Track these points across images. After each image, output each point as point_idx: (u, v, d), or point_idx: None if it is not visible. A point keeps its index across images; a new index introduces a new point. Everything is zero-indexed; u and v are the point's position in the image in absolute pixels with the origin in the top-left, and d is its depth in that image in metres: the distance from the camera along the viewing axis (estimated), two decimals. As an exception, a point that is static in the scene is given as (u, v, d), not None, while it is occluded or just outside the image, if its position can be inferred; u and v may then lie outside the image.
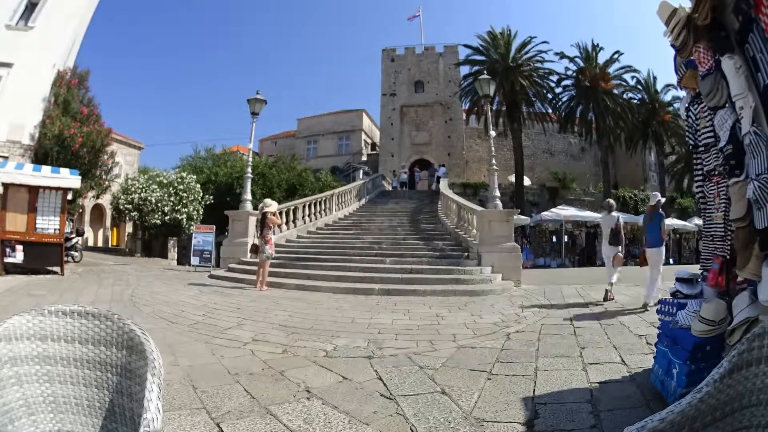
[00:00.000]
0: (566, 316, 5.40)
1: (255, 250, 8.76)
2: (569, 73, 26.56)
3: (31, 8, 14.05)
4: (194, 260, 12.08)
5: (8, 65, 13.14)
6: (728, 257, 2.58)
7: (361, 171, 30.46)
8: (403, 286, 8.03)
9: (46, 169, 9.87)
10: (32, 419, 1.27)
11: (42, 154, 13.06)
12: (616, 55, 25.87)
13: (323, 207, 15.41)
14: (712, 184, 2.73)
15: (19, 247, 8.99)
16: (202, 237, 12.34)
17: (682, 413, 0.91)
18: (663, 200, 6.64)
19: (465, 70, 29.22)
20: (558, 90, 26.98)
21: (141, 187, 17.32)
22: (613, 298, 6.50)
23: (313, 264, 9.87)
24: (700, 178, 2.94)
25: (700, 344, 2.39)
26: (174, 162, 47.89)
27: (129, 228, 22.36)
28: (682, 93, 3.48)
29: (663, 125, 27.09)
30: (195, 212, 17.79)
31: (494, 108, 24.41)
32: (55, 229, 9.44)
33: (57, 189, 9.53)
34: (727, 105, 2.34)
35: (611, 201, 7.34)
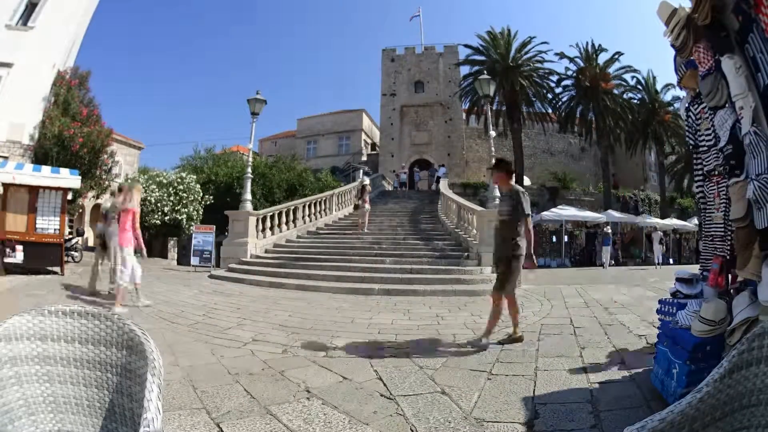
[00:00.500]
0: (566, 316, 5.40)
1: (356, 207, 13.85)
2: (569, 73, 26.62)
3: (31, 8, 14.05)
4: (194, 260, 12.07)
5: (8, 65, 13.14)
6: (728, 257, 2.58)
7: (361, 171, 30.44)
8: (403, 286, 8.03)
9: (46, 170, 9.87)
10: (32, 419, 1.27)
11: (42, 154, 13.05)
12: (616, 55, 25.90)
13: (323, 207, 15.40)
14: (712, 184, 2.73)
15: (19, 247, 8.98)
16: (202, 237, 12.33)
17: (682, 413, 0.91)
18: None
19: (465, 70, 29.28)
20: (558, 90, 27.05)
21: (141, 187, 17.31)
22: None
23: (313, 264, 9.87)
24: (700, 178, 2.93)
25: (700, 344, 2.39)
26: (174, 162, 47.96)
27: (129, 228, 22.31)
28: (682, 93, 3.48)
29: (663, 125, 27.08)
30: (195, 212, 17.78)
31: (494, 108, 24.46)
32: (55, 229, 9.44)
33: (57, 189, 9.53)
34: (727, 105, 2.34)
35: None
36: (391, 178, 30.22)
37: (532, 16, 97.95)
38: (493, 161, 3.39)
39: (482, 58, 26.30)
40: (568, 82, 26.76)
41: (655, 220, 22.02)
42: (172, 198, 17.24)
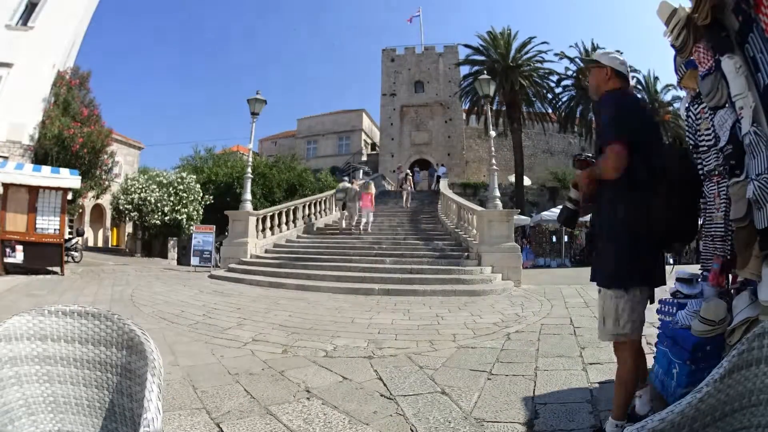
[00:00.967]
0: (566, 316, 5.40)
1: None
2: (569, 73, 26.62)
3: (31, 8, 14.06)
4: (194, 260, 12.07)
5: (8, 65, 13.15)
6: (728, 257, 2.58)
7: (361, 171, 30.45)
8: (403, 286, 8.03)
9: (46, 170, 9.88)
10: (32, 419, 1.27)
11: (42, 154, 13.07)
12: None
13: (323, 207, 15.41)
14: (712, 184, 2.73)
15: (19, 247, 8.99)
16: (202, 237, 12.34)
17: (682, 413, 0.91)
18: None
19: (465, 70, 29.31)
20: (558, 90, 27.07)
21: (141, 187, 17.31)
22: None
23: (313, 264, 9.87)
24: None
25: (700, 344, 2.39)
26: (174, 162, 47.94)
27: (129, 228, 22.36)
28: (682, 93, 3.48)
29: (663, 125, 27.08)
30: (195, 212, 17.79)
31: (494, 108, 24.46)
32: (55, 229, 9.44)
33: (57, 189, 9.54)
34: (727, 105, 2.34)
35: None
36: (392, 178, 30.20)
37: (532, 16, 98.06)
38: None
39: (482, 58, 26.32)
40: (568, 82, 26.82)
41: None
42: (172, 198, 17.25)
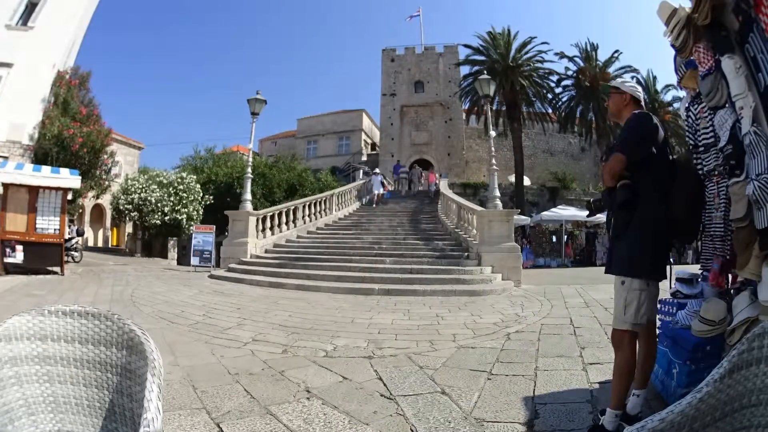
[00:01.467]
0: (566, 316, 5.40)
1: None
2: (569, 73, 26.63)
3: (31, 8, 14.06)
4: (194, 260, 12.07)
5: (8, 65, 13.15)
6: (728, 257, 2.58)
7: (361, 171, 30.44)
8: (403, 286, 8.03)
9: (46, 170, 9.87)
10: (32, 419, 1.27)
11: (42, 154, 13.07)
12: (616, 54, 25.92)
13: (323, 207, 15.40)
14: (712, 184, 2.73)
15: (19, 247, 8.99)
16: (202, 237, 12.34)
17: (682, 413, 0.91)
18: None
19: (465, 70, 29.27)
20: (558, 90, 27.05)
21: (141, 187, 17.30)
22: None
23: (313, 264, 9.87)
24: (700, 178, 2.93)
25: (700, 344, 2.39)
26: (174, 162, 47.96)
27: (129, 228, 22.37)
28: (682, 93, 3.48)
29: (663, 125, 27.08)
30: (195, 212, 17.77)
31: (494, 108, 24.45)
32: (55, 229, 9.44)
33: (57, 189, 9.54)
34: (727, 105, 2.34)
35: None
36: (392, 178, 30.17)
37: (532, 16, 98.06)
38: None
39: (482, 58, 26.29)
40: (568, 82, 26.81)
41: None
42: (172, 198, 17.24)
